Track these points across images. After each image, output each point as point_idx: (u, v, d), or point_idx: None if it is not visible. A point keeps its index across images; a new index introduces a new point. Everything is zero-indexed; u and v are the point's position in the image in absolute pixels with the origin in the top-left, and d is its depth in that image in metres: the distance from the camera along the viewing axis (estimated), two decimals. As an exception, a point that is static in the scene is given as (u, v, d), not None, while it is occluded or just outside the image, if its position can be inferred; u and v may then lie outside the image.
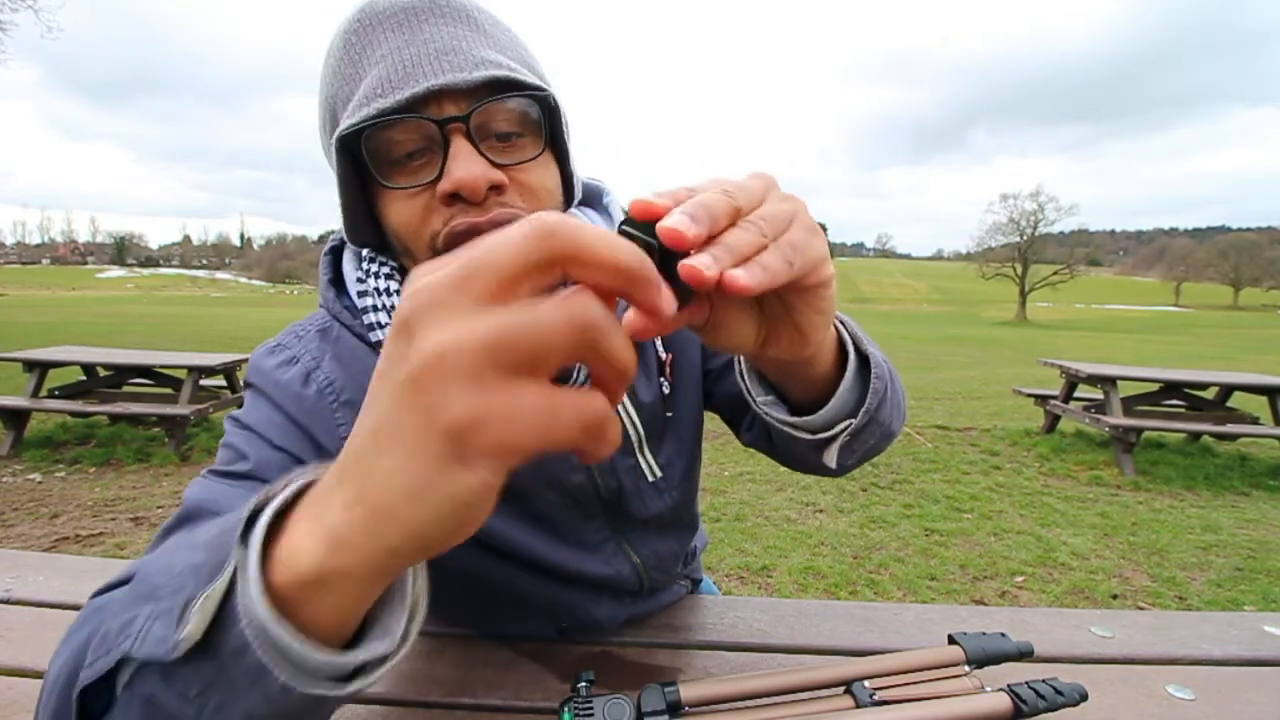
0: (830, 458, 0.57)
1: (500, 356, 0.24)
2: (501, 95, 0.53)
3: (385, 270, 0.61)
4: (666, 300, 0.28)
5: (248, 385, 0.64)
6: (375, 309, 0.60)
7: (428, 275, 0.26)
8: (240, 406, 0.63)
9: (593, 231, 0.26)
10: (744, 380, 0.56)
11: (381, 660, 0.33)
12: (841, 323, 0.54)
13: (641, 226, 0.32)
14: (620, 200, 0.74)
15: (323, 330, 0.65)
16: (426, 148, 0.53)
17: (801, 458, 0.64)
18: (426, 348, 0.25)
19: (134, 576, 0.38)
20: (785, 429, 0.55)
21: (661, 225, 0.31)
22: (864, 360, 0.55)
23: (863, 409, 0.54)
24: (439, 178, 0.52)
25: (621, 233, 0.32)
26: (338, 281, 0.66)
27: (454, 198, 0.52)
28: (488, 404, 0.25)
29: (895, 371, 0.61)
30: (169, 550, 0.38)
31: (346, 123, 0.52)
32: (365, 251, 0.63)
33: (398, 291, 0.59)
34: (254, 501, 0.33)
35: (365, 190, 0.57)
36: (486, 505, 0.27)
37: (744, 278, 0.31)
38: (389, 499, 0.27)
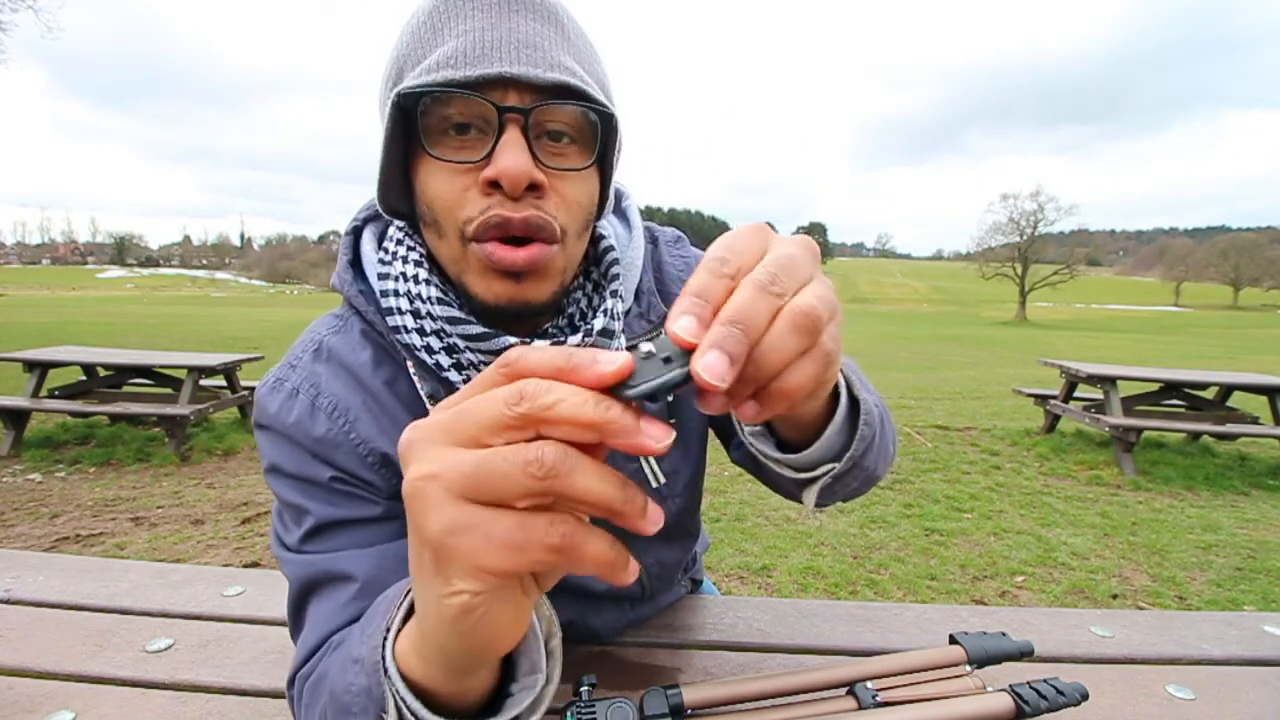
0: (809, 499, 0.57)
1: (468, 490, 0.29)
2: (566, 100, 0.53)
3: (415, 256, 0.60)
4: (652, 440, 0.29)
5: (261, 427, 0.64)
6: (395, 294, 0.59)
7: (428, 418, 0.32)
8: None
9: (566, 397, 0.28)
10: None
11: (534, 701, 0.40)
12: None
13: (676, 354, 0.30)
14: (638, 202, 0.74)
15: (315, 351, 0.65)
16: (480, 129, 0.53)
17: (783, 488, 0.64)
18: (412, 476, 0.30)
19: (325, 677, 0.49)
20: (769, 463, 0.55)
21: (696, 368, 0.28)
22: (855, 403, 0.54)
23: (847, 455, 0.53)
24: (485, 162, 0.52)
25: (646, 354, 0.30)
26: (356, 264, 0.66)
27: (493, 185, 0.52)
28: (456, 525, 0.29)
29: (888, 415, 0.60)
30: (339, 665, 0.46)
31: (413, 82, 0.52)
32: (391, 231, 0.63)
33: (426, 281, 0.58)
34: (381, 630, 0.41)
35: (406, 156, 0.57)
36: (486, 619, 0.32)
37: (782, 405, 0.33)
38: (421, 611, 0.35)
